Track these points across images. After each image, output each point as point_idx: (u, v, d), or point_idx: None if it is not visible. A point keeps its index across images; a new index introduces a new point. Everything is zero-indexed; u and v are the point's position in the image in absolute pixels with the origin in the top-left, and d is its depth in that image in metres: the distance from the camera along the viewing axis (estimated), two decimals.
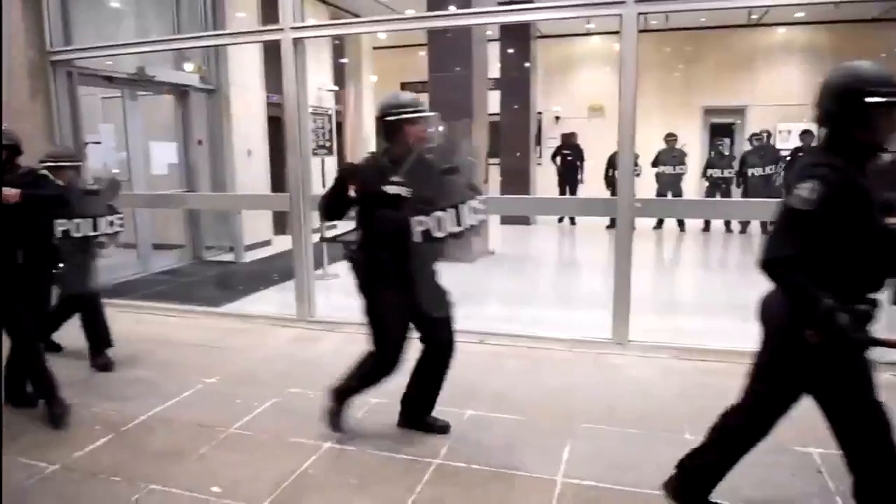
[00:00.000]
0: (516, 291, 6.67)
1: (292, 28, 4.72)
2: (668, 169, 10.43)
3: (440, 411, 3.29)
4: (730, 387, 2.46)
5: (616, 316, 4.40)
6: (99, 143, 6.92)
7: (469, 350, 4.54)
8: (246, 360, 4.37)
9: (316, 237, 6.09)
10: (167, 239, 8.19)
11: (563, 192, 11.44)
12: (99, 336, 4.30)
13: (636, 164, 9.90)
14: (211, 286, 7.04)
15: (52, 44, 5.62)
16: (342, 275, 7.41)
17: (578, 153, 11.70)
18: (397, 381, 3.15)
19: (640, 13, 4.05)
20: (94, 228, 4.04)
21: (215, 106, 7.97)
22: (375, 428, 3.32)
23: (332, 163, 11.77)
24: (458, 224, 2.74)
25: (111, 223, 4.16)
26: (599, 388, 3.83)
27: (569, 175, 11.53)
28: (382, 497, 2.68)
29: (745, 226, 10.18)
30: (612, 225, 11.17)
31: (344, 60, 12.56)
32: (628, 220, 4.31)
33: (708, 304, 6.09)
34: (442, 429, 3.22)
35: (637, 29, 4.08)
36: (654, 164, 10.49)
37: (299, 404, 3.65)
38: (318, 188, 5.51)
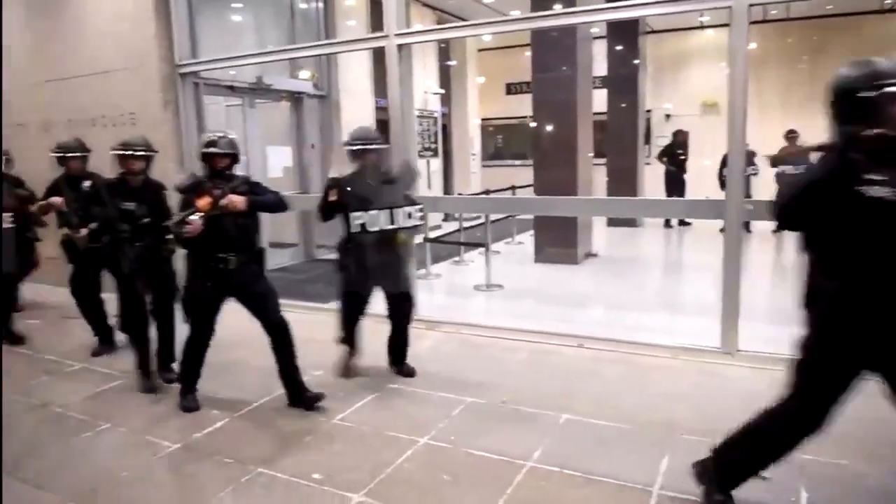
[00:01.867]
0: (619, 295, 6.50)
1: (396, 35, 4.87)
2: (788, 169, 9.76)
3: (535, 414, 3.28)
4: (854, 404, 2.30)
5: (725, 323, 4.20)
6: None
7: (567, 353, 4.51)
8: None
9: (420, 237, 6.24)
10: (282, 238, 8.67)
11: (669, 194, 10.96)
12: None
13: (753, 164, 9.44)
14: (321, 283, 7.37)
15: (180, 57, 6.11)
16: (444, 274, 7.57)
17: (687, 152, 11.23)
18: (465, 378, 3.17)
19: (751, 4, 3.84)
20: (392, 221, 3.80)
21: (327, 111, 8.35)
22: (472, 425, 3.37)
23: (437, 164, 12.01)
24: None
25: (409, 215, 3.85)
26: (704, 398, 3.67)
27: (680, 175, 11.07)
28: (473, 496, 2.72)
29: None
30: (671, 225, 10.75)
31: (450, 63, 12.75)
32: (737, 222, 4.10)
33: None
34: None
35: (748, 21, 3.87)
36: (774, 163, 9.86)
37: (398, 400, 3.77)
38: (424, 190, 5.63)
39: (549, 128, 7.69)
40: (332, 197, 3.84)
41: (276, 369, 3.69)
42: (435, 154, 11.85)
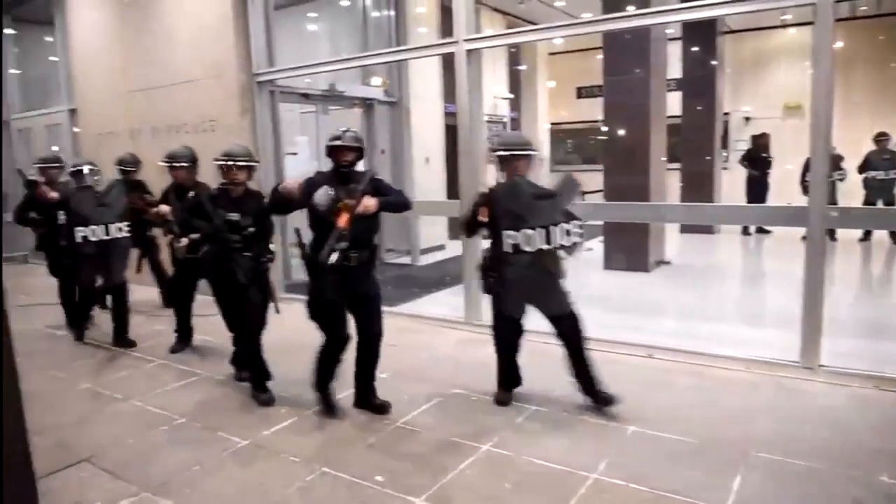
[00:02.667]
0: (690, 304, 6.28)
1: (465, 40, 4.89)
2: (878, 174, 9.20)
3: (601, 425, 3.22)
4: None
5: (805, 336, 3.99)
6: (296, 153, 7.66)
7: (636, 363, 4.39)
8: (415, 358, 4.59)
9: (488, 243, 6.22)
10: None
11: (751, 200, 10.51)
12: None
13: (840, 168, 8.95)
14: (389, 286, 7.46)
15: (257, 66, 6.34)
16: None
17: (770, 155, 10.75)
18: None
19: (836, 0, 3.64)
20: (548, 240, 3.44)
21: (397, 117, 8.47)
22: (535, 434, 3.33)
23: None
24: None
25: (568, 232, 3.49)
26: (781, 414, 3.49)
27: (763, 180, 10.57)
28: None
29: None
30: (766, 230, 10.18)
31: (520, 67, 12.69)
32: (820, 230, 3.89)
33: None
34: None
35: (833, 18, 3.68)
36: (862, 168, 9.31)
37: (462, 405, 3.77)
38: None
39: (621, 131, 7.52)
40: (482, 217, 3.55)
41: (353, 371, 3.71)
42: None
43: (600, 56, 13.28)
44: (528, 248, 3.41)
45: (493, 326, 3.75)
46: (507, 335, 3.73)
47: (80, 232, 4.93)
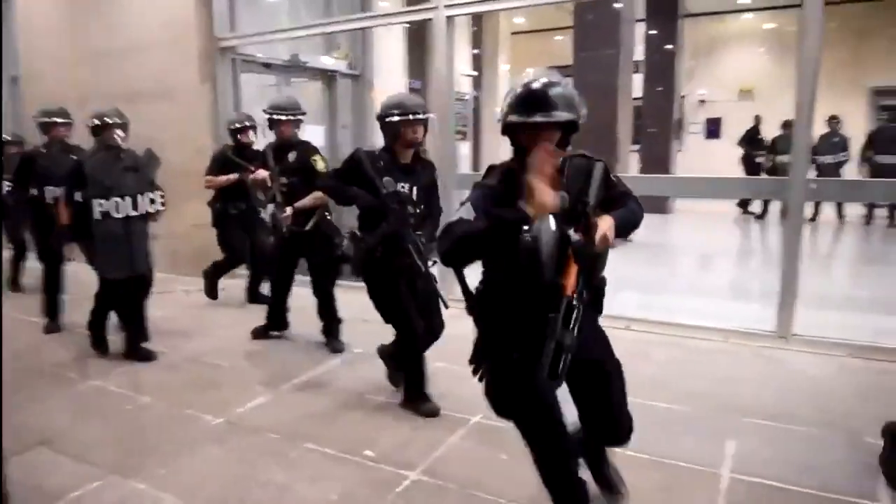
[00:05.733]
0: (659, 279, 6.36)
1: (446, 6, 4.73)
2: (826, 158, 9.49)
3: None
4: None
5: (781, 307, 4.04)
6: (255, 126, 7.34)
7: (615, 335, 4.32)
8: (389, 333, 4.45)
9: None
10: None
11: None
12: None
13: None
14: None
15: (219, 31, 6.02)
16: None
17: None
18: None
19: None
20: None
21: (359, 91, 8.22)
22: None
23: (466, 148, 11.85)
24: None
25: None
26: (764, 382, 3.53)
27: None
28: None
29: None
30: (751, 212, 10.39)
31: (480, 47, 12.56)
32: (800, 202, 3.93)
33: (875, 301, 5.45)
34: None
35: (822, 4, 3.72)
36: (813, 152, 9.57)
37: (445, 378, 3.65)
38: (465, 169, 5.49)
39: (590, 110, 7.49)
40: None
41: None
42: (464, 137, 11.69)
43: (560, 37, 13.31)
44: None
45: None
46: None
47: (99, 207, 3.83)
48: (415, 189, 3.14)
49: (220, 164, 4.95)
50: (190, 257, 6.05)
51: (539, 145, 1.82)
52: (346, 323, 4.30)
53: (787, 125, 9.84)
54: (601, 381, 2.03)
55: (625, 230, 1.93)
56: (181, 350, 4.23)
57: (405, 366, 3.29)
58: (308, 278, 4.22)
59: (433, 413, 3.16)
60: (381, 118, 3.08)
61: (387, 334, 3.41)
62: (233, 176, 4.83)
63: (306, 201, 4.02)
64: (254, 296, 5.32)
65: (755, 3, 11.81)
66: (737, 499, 2.43)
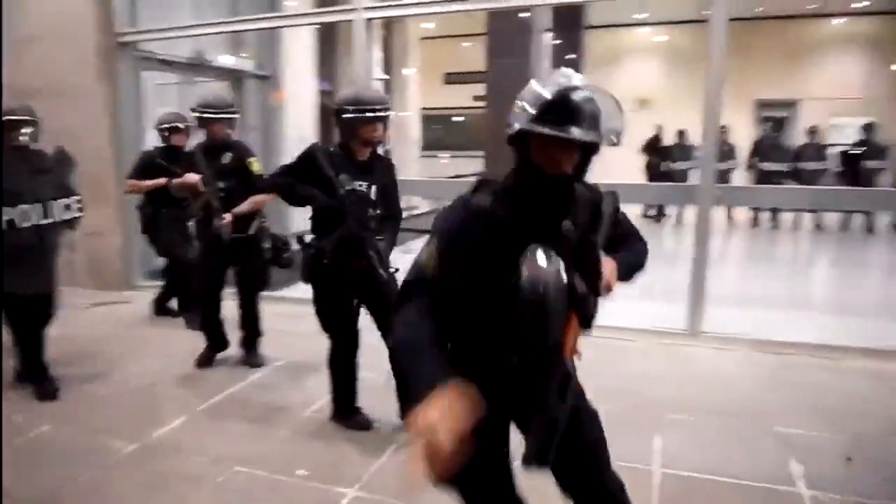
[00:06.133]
0: None
1: (366, 8, 4.64)
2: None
3: None
4: (816, 380, 2.34)
5: (692, 306, 4.26)
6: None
7: None
8: (309, 344, 4.30)
9: None
10: None
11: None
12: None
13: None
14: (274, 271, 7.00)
15: (119, 26, 5.62)
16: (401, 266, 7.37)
17: None
18: None
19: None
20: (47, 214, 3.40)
21: (269, 92, 7.96)
22: None
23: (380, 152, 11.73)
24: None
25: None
26: (679, 378, 3.71)
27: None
28: None
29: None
30: (649, 215, 10.96)
31: (391, 51, 12.50)
32: (708, 206, 4.17)
33: (772, 298, 5.86)
34: None
35: (726, 22, 3.98)
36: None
37: (371, 388, 3.58)
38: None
39: (501, 118, 7.63)
40: None
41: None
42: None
43: (468, 43, 13.45)
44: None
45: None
46: None
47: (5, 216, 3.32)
48: (373, 188, 2.93)
49: (145, 167, 4.57)
50: (85, 268, 5.64)
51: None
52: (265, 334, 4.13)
53: (681, 134, 10.51)
54: (575, 430, 1.53)
55: (628, 275, 1.73)
56: (83, 371, 3.90)
57: (335, 378, 3.15)
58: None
59: (365, 426, 3.08)
60: (336, 113, 2.89)
61: (306, 344, 3.29)
62: (161, 180, 4.35)
63: (245, 206, 3.78)
64: (161, 308, 5.01)
65: (651, 17, 12.47)
66: (670, 493, 2.52)
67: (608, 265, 1.57)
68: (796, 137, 11.53)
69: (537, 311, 1.39)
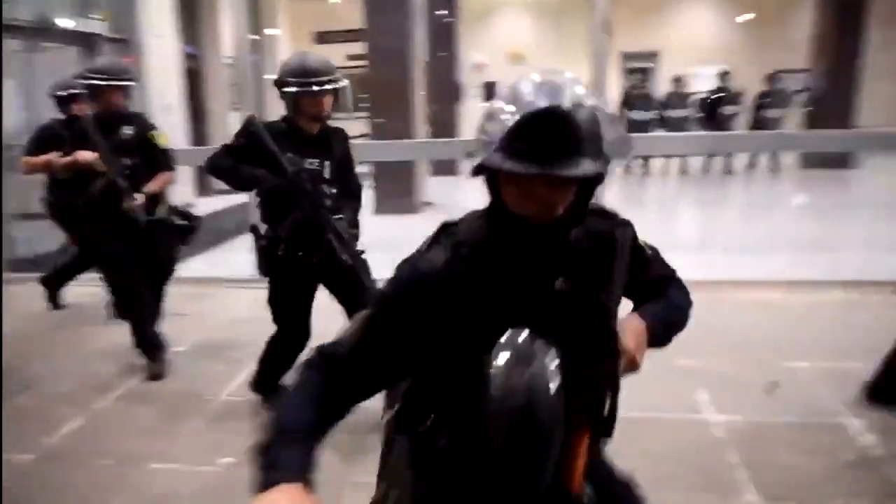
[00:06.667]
0: None
1: None
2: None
3: None
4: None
5: None
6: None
7: None
8: (211, 326, 4.09)
9: None
10: None
11: None
12: None
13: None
14: None
15: None
16: None
17: None
18: None
19: None
20: None
21: (125, 58, 7.27)
22: None
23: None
24: None
25: None
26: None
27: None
28: None
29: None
30: None
31: (258, 10, 11.83)
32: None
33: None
34: None
35: None
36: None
37: None
38: None
39: (386, 74, 7.47)
40: None
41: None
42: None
43: (337, 0, 12.98)
44: None
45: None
46: None
47: None
48: (327, 164, 2.67)
49: (42, 141, 3.89)
50: None
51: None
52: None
53: None
54: None
55: (665, 339, 1.25)
56: None
57: (270, 356, 2.86)
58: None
59: None
60: (277, 85, 2.59)
61: (209, 326, 3.11)
62: (51, 155, 3.64)
63: (154, 185, 3.37)
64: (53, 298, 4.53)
65: None
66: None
67: (632, 334, 1.15)
68: (660, 87, 12.22)
69: (517, 435, 0.94)
